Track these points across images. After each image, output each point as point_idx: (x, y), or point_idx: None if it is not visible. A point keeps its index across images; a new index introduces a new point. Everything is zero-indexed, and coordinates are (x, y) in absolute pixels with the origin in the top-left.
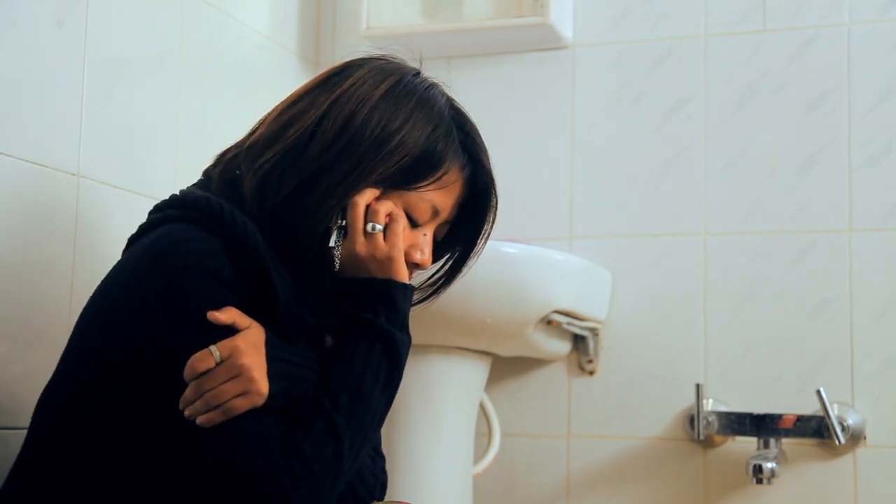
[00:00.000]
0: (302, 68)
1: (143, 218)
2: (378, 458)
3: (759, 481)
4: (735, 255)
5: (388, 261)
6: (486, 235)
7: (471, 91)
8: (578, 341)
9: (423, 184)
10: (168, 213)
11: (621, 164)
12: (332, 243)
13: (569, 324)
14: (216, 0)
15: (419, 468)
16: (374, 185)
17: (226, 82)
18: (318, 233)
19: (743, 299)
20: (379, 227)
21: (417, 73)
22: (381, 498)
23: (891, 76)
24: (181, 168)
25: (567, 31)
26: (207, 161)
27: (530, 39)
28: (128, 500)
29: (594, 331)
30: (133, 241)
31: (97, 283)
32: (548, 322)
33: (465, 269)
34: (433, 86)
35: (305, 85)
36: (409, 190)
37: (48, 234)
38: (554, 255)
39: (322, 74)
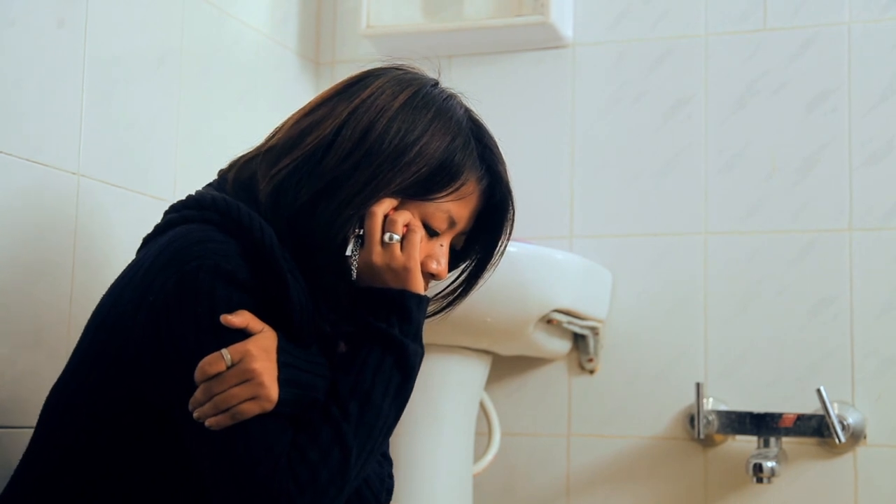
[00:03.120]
0: (302, 67)
1: (144, 217)
2: (385, 463)
3: (760, 480)
4: (735, 255)
5: (405, 271)
6: (502, 247)
7: (471, 90)
8: (579, 340)
9: (440, 194)
10: (185, 214)
11: (622, 163)
12: (348, 252)
13: (569, 323)
14: None
15: (419, 467)
16: (392, 194)
17: (226, 81)
18: (335, 242)
19: (743, 298)
20: (396, 237)
21: (436, 84)
22: (387, 502)
23: (891, 75)
24: (181, 167)
25: (567, 30)
26: (207, 159)
27: (531, 38)
28: (136, 500)
29: (594, 330)
30: (148, 240)
31: (97, 282)
32: (548, 321)
33: (481, 281)
34: (451, 97)
35: (324, 93)
36: (426, 200)
37: (48, 233)
38: (554, 255)
39: (341, 83)
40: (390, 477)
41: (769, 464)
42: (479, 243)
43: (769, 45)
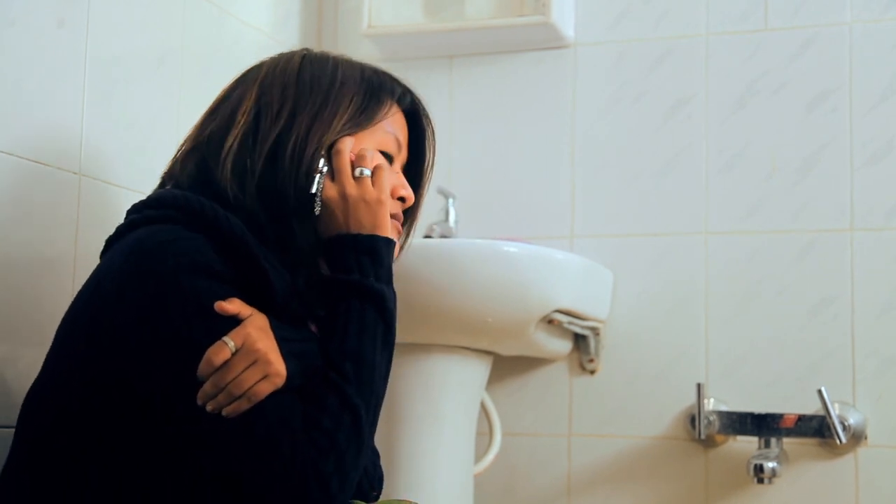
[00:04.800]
0: None
1: None
2: (373, 455)
3: (761, 481)
4: (736, 255)
5: (378, 204)
6: (430, 163)
7: (472, 90)
8: (579, 340)
9: (381, 113)
10: (147, 214)
11: (622, 163)
12: (314, 189)
13: (570, 323)
14: None
15: (420, 467)
16: (346, 132)
17: (227, 81)
18: (306, 189)
19: (744, 298)
20: (367, 171)
21: (311, 50)
22: (380, 489)
23: (892, 75)
24: None
25: (568, 30)
26: None
27: (532, 38)
28: (130, 467)
29: (595, 330)
30: (112, 241)
31: None
32: (549, 321)
33: (421, 200)
34: (336, 53)
35: (225, 88)
36: (374, 125)
37: (50, 233)
38: (555, 255)
39: (234, 79)
40: (380, 467)
41: (770, 464)
42: (414, 168)
43: (770, 45)
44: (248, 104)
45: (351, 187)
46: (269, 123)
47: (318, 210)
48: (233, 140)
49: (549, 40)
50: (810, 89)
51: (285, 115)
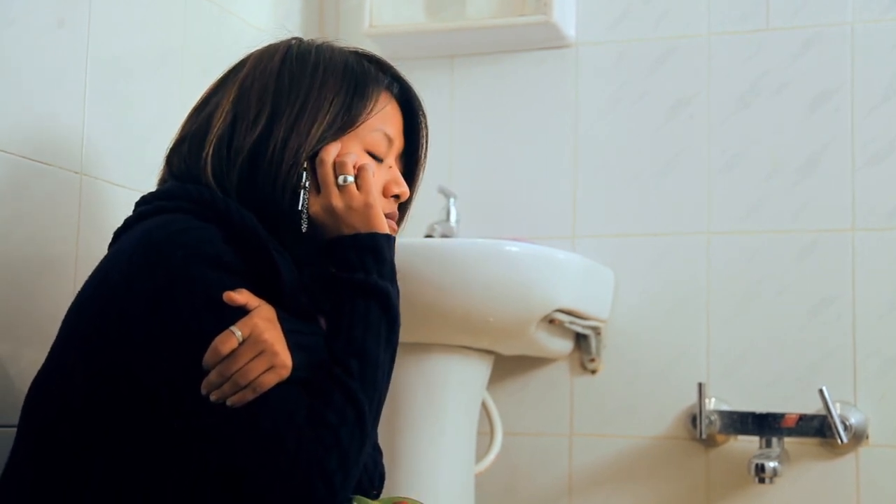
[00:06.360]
0: None
1: None
2: (376, 453)
3: (762, 480)
4: (737, 254)
5: (367, 207)
6: (423, 151)
7: (473, 90)
8: (581, 340)
9: (364, 113)
10: (157, 205)
11: (624, 163)
12: (299, 206)
13: (571, 322)
14: None
15: (421, 467)
16: (327, 137)
17: None
18: (287, 204)
19: (745, 298)
20: (350, 178)
21: (301, 39)
22: (381, 487)
23: (894, 75)
24: None
25: (570, 29)
26: None
27: (533, 38)
28: (136, 460)
29: (596, 329)
30: (120, 233)
31: None
32: (550, 321)
33: (418, 182)
34: (323, 42)
35: (209, 87)
36: (357, 127)
37: (51, 232)
38: (556, 254)
39: (219, 77)
40: (381, 465)
41: (771, 464)
42: (409, 152)
43: (771, 45)
44: (225, 106)
45: (336, 199)
46: (244, 131)
47: (304, 227)
48: (209, 147)
49: (551, 40)
50: (812, 89)
51: (262, 124)
